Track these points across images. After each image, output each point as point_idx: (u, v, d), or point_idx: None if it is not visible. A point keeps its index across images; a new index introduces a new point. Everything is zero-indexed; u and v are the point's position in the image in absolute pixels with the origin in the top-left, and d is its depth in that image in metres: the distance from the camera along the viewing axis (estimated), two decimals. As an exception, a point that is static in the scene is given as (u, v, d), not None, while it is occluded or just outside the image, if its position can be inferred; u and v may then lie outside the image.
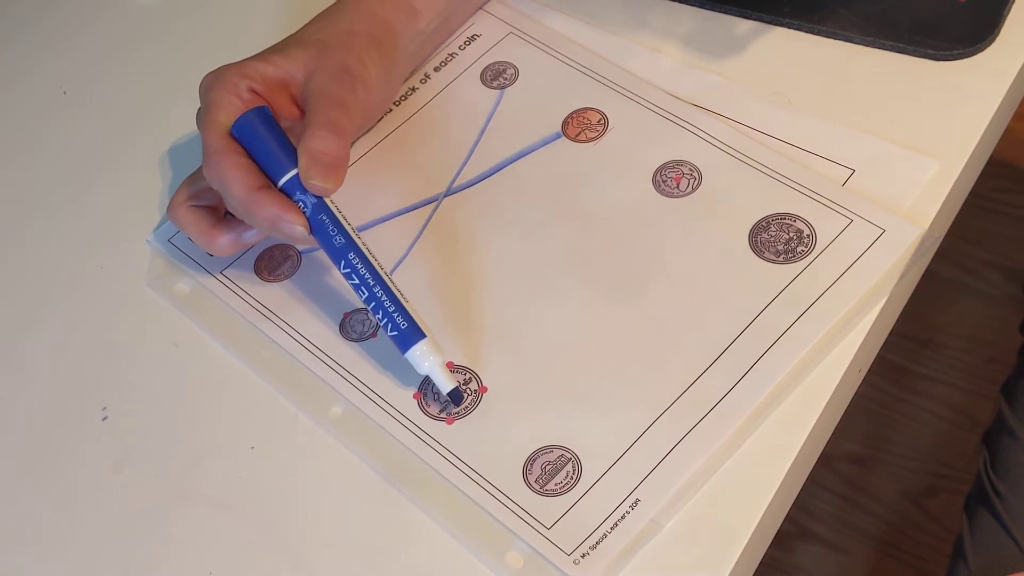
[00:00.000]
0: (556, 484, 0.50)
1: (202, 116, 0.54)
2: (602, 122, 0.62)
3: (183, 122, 0.67)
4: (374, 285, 0.52)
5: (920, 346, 1.30)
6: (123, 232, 0.62)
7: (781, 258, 0.55)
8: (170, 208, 0.57)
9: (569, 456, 0.51)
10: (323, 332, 0.56)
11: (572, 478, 0.50)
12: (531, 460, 0.51)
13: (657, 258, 0.56)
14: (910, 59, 0.62)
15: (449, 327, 0.55)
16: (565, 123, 0.62)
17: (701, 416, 0.51)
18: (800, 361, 0.52)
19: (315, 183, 0.52)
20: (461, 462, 0.51)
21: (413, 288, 0.56)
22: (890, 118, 0.60)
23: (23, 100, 0.70)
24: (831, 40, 0.64)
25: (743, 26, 0.65)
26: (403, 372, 0.54)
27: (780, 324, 0.53)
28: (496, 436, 0.52)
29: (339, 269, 0.52)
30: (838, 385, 0.52)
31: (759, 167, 0.58)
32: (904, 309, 0.58)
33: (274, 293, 0.58)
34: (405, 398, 0.53)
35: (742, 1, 0.66)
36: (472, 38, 0.67)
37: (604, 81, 0.63)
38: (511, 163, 0.61)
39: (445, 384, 0.52)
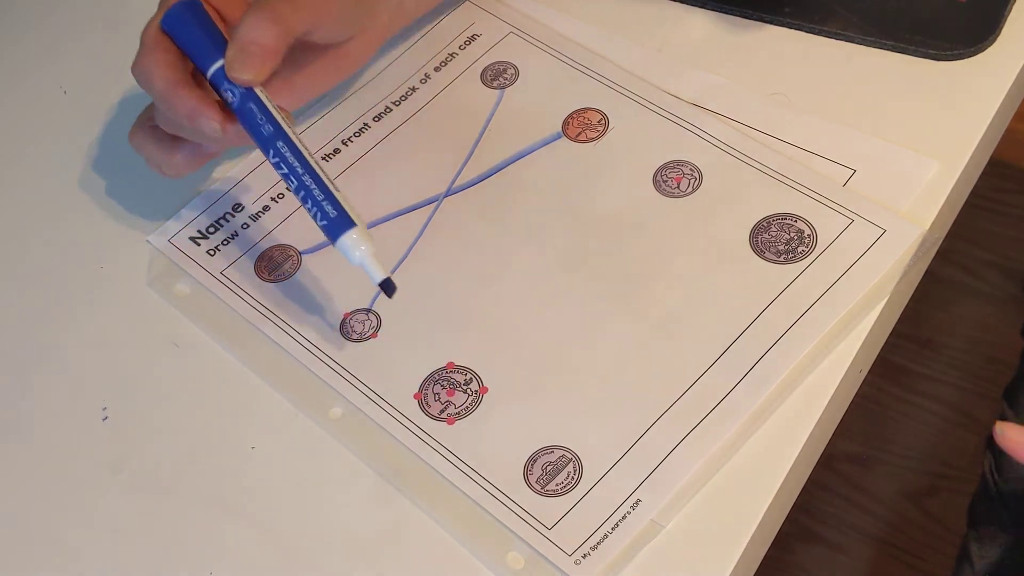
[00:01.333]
0: (557, 484, 0.50)
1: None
2: (602, 122, 0.62)
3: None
4: (303, 174, 0.51)
5: (920, 346, 1.30)
6: (123, 232, 0.62)
7: (782, 258, 0.55)
8: (130, 133, 0.57)
9: (570, 456, 0.51)
10: (323, 332, 0.56)
11: (573, 478, 0.50)
12: (532, 460, 0.51)
13: (658, 258, 0.56)
14: (910, 59, 0.62)
15: (449, 327, 0.55)
16: (565, 123, 0.62)
17: (702, 416, 0.51)
18: (801, 361, 0.52)
19: (236, 74, 0.51)
20: (462, 462, 0.51)
21: (413, 288, 0.57)
22: (890, 118, 0.60)
23: (23, 100, 0.70)
24: (831, 40, 0.64)
25: (743, 26, 0.65)
26: (404, 373, 0.54)
27: (781, 324, 0.53)
28: (497, 436, 0.52)
29: (268, 159, 0.52)
30: (839, 385, 0.52)
31: (760, 167, 0.58)
32: (904, 309, 0.58)
33: (274, 293, 0.58)
34: (406, 398, 0.53)
35: (742, 1, 0.66)
36: (472, 38, 0.67)
37: (604, 81, 0.63)
38: (511, 163, 0.61)
39: (376, 274, 0.51)
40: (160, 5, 0.54)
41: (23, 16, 0.74)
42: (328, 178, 0.52)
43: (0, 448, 0.55)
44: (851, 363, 0.52)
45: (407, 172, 0.62)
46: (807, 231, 0.56)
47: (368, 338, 0.56)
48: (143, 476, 0.53)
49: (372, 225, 0.60)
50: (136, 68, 0.53)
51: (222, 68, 0.52)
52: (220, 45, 0.53)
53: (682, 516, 0.48)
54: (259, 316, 0.57)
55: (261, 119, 0.51)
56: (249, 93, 0.52)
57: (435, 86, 0.65)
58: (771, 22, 0.65)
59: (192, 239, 0.60)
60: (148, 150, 0.56)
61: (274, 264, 0.59)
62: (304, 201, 0.52)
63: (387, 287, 0.51)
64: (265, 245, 0.60)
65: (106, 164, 0.66)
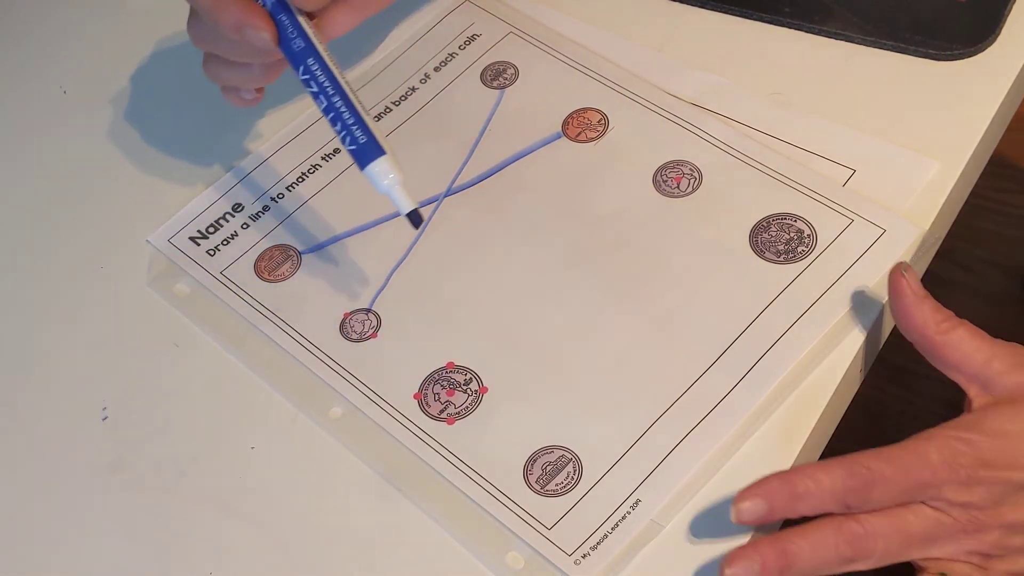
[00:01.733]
0: (557, 484, 0.50)
1: None
2: (602, 122, 0.62)
3: (183, 121, 0.67)
4: (333, 94, 0.49)
5: (920, 346, 1.30)
6: (123, 232, 0.62)
7: (782, 258, 0.55)
8: (204, 65, 0.55)
9: (570, 456, 0.51)
10: (323, 332, 0.56)
11: (573, 478, 0.50)
12: (532, 460, 0.51)
13: (658, 258, 0.56)
14: (910, 59, 0.62)
15: (449, 327, 0.55)
16: (565, 123, 0.62)
17: (702, 416, 0.51)
18: (801, 361, 0.52)
19: None
20: (461, 462, 0.51)
21: (413, 288, 0.57)
22: (890, 118, 0.60)
23: (23, 100, 0.70)
24: (831, 40, 0.64)
25: (743, 26, 0.65)
26: (404, 373, 0.54)
27: (781, 324, 0.53)
28: (497, 436, 0.52)
29: (297, 75, 0.50)
30: (839, 385, 0.52)
31: (760, 167, 0.58)
32: (904, 309, 0.58)
33: (274, 293, 0.58)
34: (406, 399, 0.53)
35: (742, 1, 0.66)
36: (472, 38, 0.67)
37: (604, 81, 0.63)
38: (511, 163, 0.61)
39: (404, 204, 0.50)
40: None
41: (23, 16, 0.74)
42: (360, 102, 0.50)
43: (0, 448, 0.55)
44: (851, 363, 0.52)
45: (407, 172, 0.62)
46: (807, 231, 0.56)
47: (368, 338, 0.56)
48: (143, 476, 0.53)
49: (372, 226, 0.60)
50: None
51: None
52: None
53: (682, 516, 0.48)
54: (259, 316, 0.57)
55: (292, 32, 0.49)
56: (281, 3, 0.50)
57: (435, 86, 0.65)
58: (771, 22, 0.65)
59: (192, 239, 0.60)
60: (222, 76, 0.54)
61: (274, 264, 0.59)
62: (333, 123, 0.50)
63: (414, 218, 0.50)
64: (265, 245, 0.60)
65: (106, 164, 0.66)
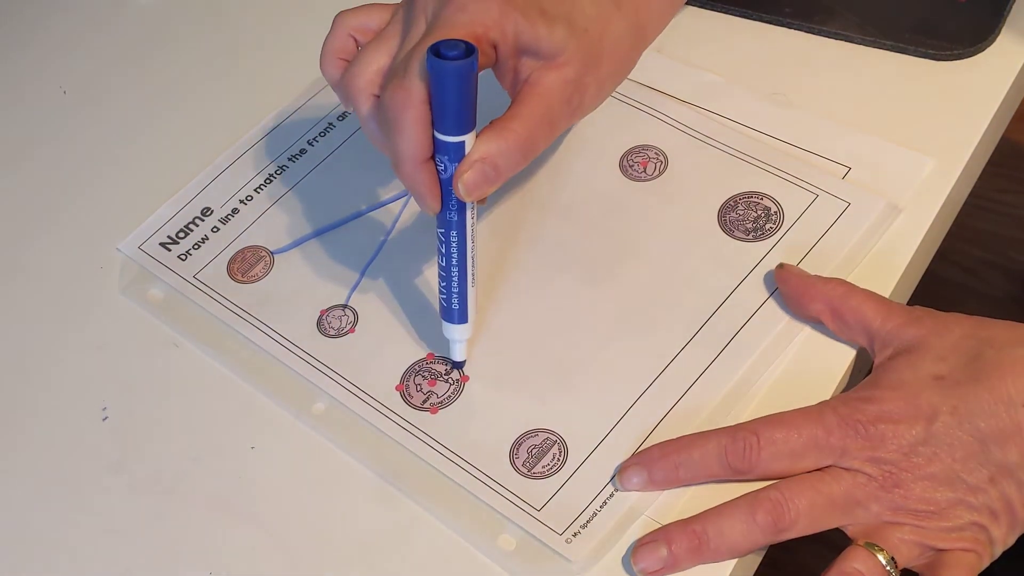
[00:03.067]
0: (543, 467, 0.50)
1: (439, 18, 0.47)
2: None
3: (183, 120, 0.67)
4: (455, 265, 0.50)
5: (920, 346, 1.30)
6: (123, 232, 0.62)
7: (751, 236, 0.56)
8: (330, 68, 0.53)
9: (554, 439, 0.51)
10: (301, 330, 0.56)
11: (558, 460, 0.50)
12: (517, 444, 0.51)
13: (629, 242, 0.57)
14: (910, 59, 0.62)
15: (426, 319, 0.56)
16: None
17: (682, 393, 0.52)
18: (776, 335, 0.53)
19: (463, 194, 0.48)
20: (448, 450, 0.51)
21: (388, 282, 0.57)
22: (890, 118, 0.60)
23: (23, 100, 0.70)
24: (831, 40, 0.64)
25: (743, 26, 0.65)
26: (384, 365, 0.54)
27: (754, 300, 0.54)
28: (480, 423, 0.52)
29: (437, 229, 0.50)
30: (839, 385, 0.52)
31: (723, 148, 0.60)
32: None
33: (249, 294, 0.58)
34: (388, 391, 0.54)
35: (742, 1, 0.66)
36: None
37: None
38: None
39: (459, 356, 0.54)
40: (431, 32, 0.47)
41: (24, 17, 0.74)
42: (474, 274, 0.51)
43: (0, 448, 0.55)
44: (851, 363, 0.52)
45: (375, 169, 0.62)
46: (773, 208, 0.57)
47: (346, 333, 0.56)
48: (143, 476, 0.53)
49: (343, 223, 0.60)
50: (390, 99, 0.47)
51: (450, 144, 0.47)
52: (468, 120, 0.47)
53: (682, 512, 0.48)
54: (235, 318, 0.57)
55: (455, 204, 0.49)
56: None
57: None
58: (771, 22, 0.65)
59: (162, 244, 0.61)
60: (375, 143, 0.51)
61: (247, 265, 0.59)
62: (441, 280, 0.51)
63: (459, 366, 0.54)
64: (237, 247, 0.60)
65: (106, 164, 0.66)
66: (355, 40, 0.52)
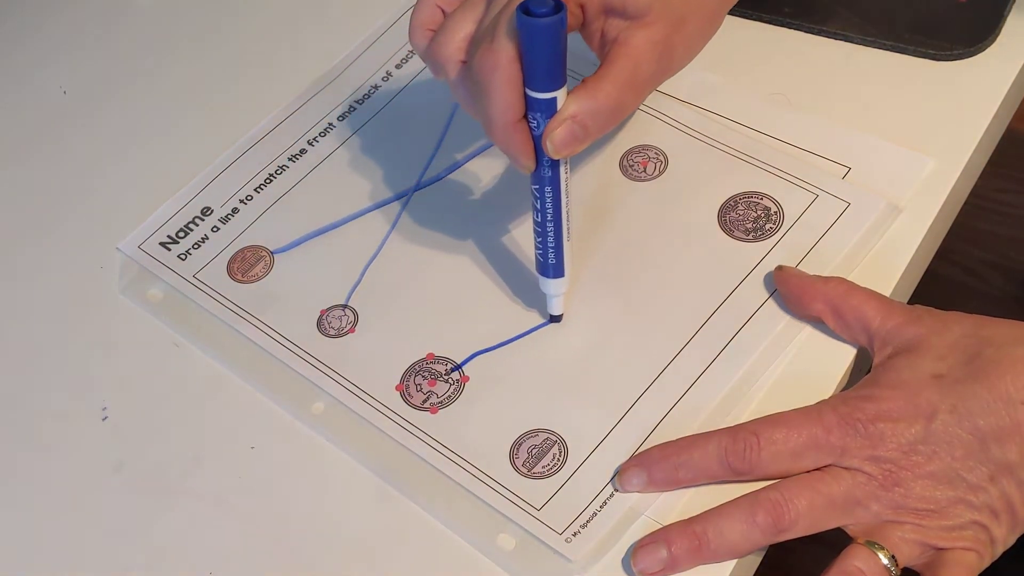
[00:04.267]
0: (543, 467, 0.50)
1: None
2: None
3: (183, 120, 0.67)
4: (550, 220, 0.51)
5: (920, 346, 1.29)
6: (123, 232, 0.62)
7: (751, 236, 0.56)
8: (418, 35, 0.52)
9: (554, 439, 0.51)
10: (301, 330, 0.56)
11: (559, 460, 0.50)
12: (517, 444, 0.51)
13: (629, 241, 0.57)
14: (910, 59, 0.62)
15: (427, 319, 0.56)
16: None
17: (682, 393, 0.52)
18: (776, 335, 0.53)
19: (552, 151, 0.48)
20: (448, 450, 0.51)
21: (388, 282, 0.57)
22: (890, 118, 0.60)
23: (23, 100, 0.70)
24: (831, 40, 0.64)
25: (743, 26, 0.65)
26: (384, 365, 0.54)
27: (754, 300, 0.54)
28: (480, 423, 0.52)
29: (531, 186, 0.51)
30: (838, 385, 0.52)
31: (723, 148, 0.60)
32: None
33: (249, 294, 0.58)
34: (387, 390, 0.54)
35: (742, 1, 0.66)
36: None
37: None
38: (478, 154, 0.62)
39: (557, 310, 0.55)
40: None
41: (24, 17, 0.74)
42: (569, 228, 0.52)
43: (0, 448, 0.55)
44: (851, 363, 0.52)
45: (375, 168, 0.62)
46: (773, 208, 0.57)
47: (346, 333, 0.56)
48: (143, 476, 0.53)
49: (343, 223, 0.60)
50: (479, 63, 0.47)
51: (542, 100, 0.47)
52: (559, 76, 0.47)
53: (682, 512, 0.48)
54: (235, 317, 0.57)
55: (548, 161, 0.50)
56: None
57: (397, 83, 0.66)
58: (771, 22, 0.65)
59: (162, 244, 0.61)
60: (464, 106, 0.51)
61: (247, 265, 0.59)
62: (537, 236, 0.52)
63: (556, 319, 0.55)
64: (237, 247, 0.60)
65: (106, 164, 0.66)
66: (441, 11, 0.52)
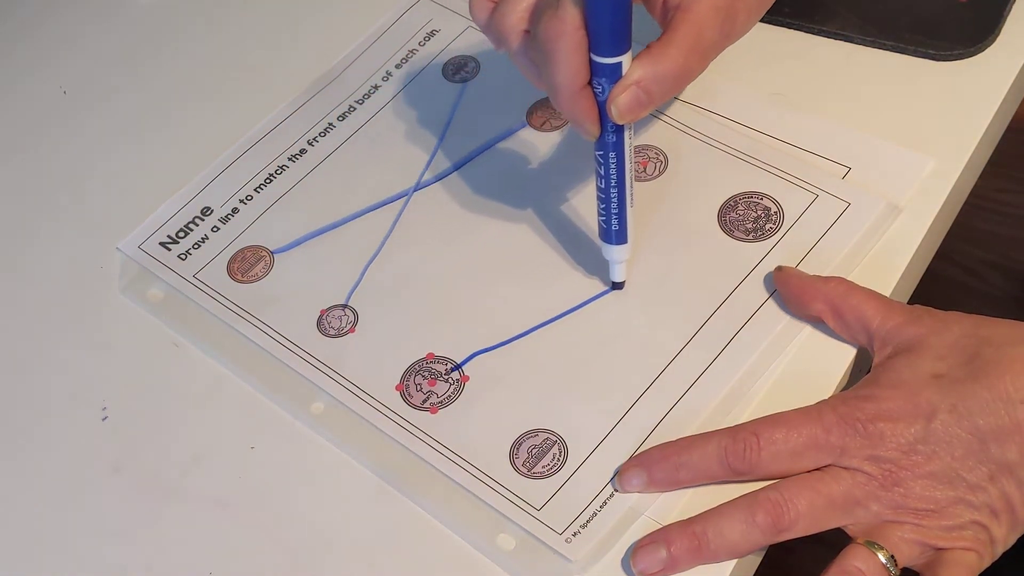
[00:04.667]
0: (543, 467, 0.50)
1: None
2: None
3: (183, 120, 0.67)
4: (614, 186, 0.52)
5: (920, 346, 1.29)
6: (123, 232, 0.62)
7: (751, 236, 0.56)
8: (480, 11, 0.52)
9: (554, 439, 0.51)
10: (300, 330, 0.56)
11: (558, 460, 0.50)
12: (517, 444, 0.51)
13: (629, 242, 0.57)
14: (910, 59, 0.62)
15: (427, 319, 0.56)
16: (530, 113, 0.63)
17: (682, 393, 0.52)
18: (776, 335, 0.53)
19: (617, 116, 0.49)
20: (448, 450, 0.51)
21: (389, 282, 0.58)
22: (890, 118, 0.60)
23: (23, 100, 0.70)
24: (831, 40, 0.64)
25: (743, 26, 0.65)
26: (384, 365, 0.54)
27: (754, 300, 0.54)
28: (480, 423, 0.52)
29: (595, 152, 0.51)
30: (839, 385, 0.52)
31: (723, 148, 0.60)
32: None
33: (249, 294, 0.58)
34: (388, 390, 0.54)
35: (742, 1, 0.65)
36: (431, 33, 0.68)
37: None
38: (479, 154, 0.62)
39: (619, 277, 0.55)
40: None
41: (23, 17, 0.74)
42: (632, 194, 0.53)
43: (0, 448, 0.55)
44: (851, 363, 0.52)
45: (375, 168, 0.62)
46: (773, 208, 0.57)
47: (346, 333, 0.56)
48: (143, 476, 0.53)
49: (343, 223, 0.60)
50: (544, 30, 0.47)
51: (607, 66, 0.48)
52: (624, 41, 0.48)
53: (682, 512, 0.48)
54: (235, 317, 0.57)
55: (612, 126, 0.50)
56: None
57: (397, 83, 0.66)
58: (771, 22, 0.65)
59: (162, 244, 0.61)
60: (526, 74, 0.52)
61: (247, 265, 0.59)
62: (600, 202, 0.53)
63: (619, 286, 0.56)
64: (237, 247, 0.60)
65: (106, 163, 0.66)
66: None
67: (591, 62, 0.48)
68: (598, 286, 0.56)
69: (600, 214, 0.53)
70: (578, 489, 0.50)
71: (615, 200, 0.52)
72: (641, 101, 0.48)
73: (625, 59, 0.48)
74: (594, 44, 0.47)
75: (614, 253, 0.54)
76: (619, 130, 0.50)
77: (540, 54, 0.48)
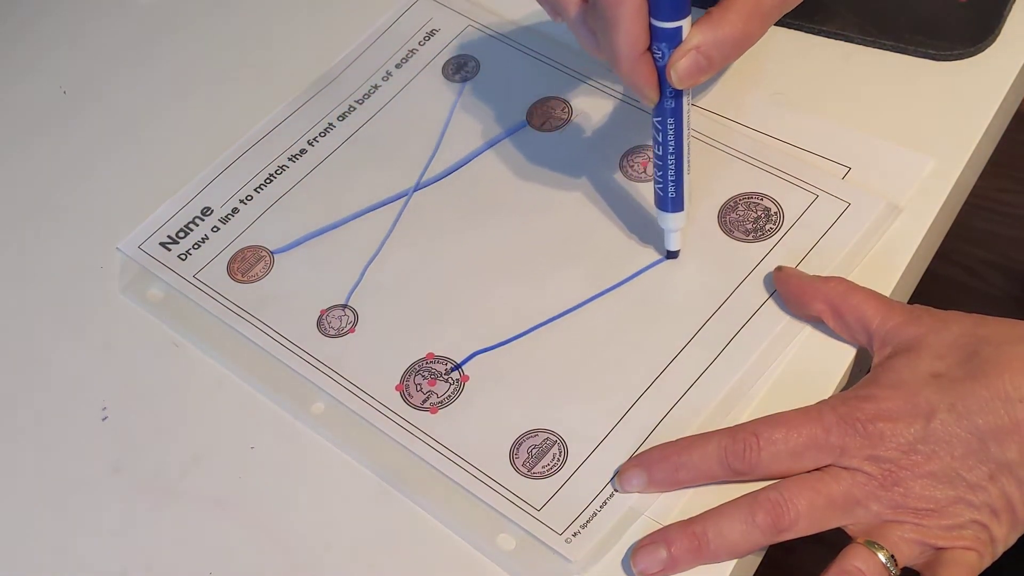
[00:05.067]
0: (543, 467, 0.50)
1: None
2: (566, 110, 0.63)
3: (183, 120, 0.67)
4: (672, 152, 0.52)
5: (920, 346, 1.29)
6: (123, 231, 0.62)
7: (751, 237, 0.56)
8: None
9: (554, 439, 0.51)
10: (301, 330, 0.56)
11: (558, 460, 0.50)
12: (517, 444, 0.51)
13: (629, 241, 0.57)
14: (910, 59, 0.62)
15: (427, 319, 0.56)
16: (530, 113, 0.63)
17: (682, 393, 0.52)
18: (776, 336, 0.53)
19: (676, 82, 0.49)
20: (447, 450, 0.51)
21: (388, 282, 0.57)
22: (890, 118, 0.60)
23: (23, 100, 0.70)
24: (831, 40, 0.64)
25: (743, 26, 0.65)
26: (384, 365, 0.54)
27: (754, 301, 0.54)
28: (480, 423, 0.52)
29: (653, 117, 0.52)
30: (839, 385, 0.52)
31: (723, 148, 0.60)
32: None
33: (249, 294, 0.58)
34: (387, 390, 0.54)
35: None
36: (431, 33, 0.68)
37: (565, 70, 0.64)
38: (478, 155, 0.62)
39: (674, 246, 0.55)
40: None
41: (23, 16, 0.74)
42: (689, 161, 0.53)
43: (0, 448, 0.55)
44: (851, 363, 0.52)
45: (375, 169, 0.62)
46: (773, 209, 0.57)
47: (346, 333, 0.56)
48: (143, 476, 0.53)
49: (343, 223, 0.60)
50: None
51: (668, 30, 0.48)
52: (684, 4, 0.48)
53: (682, 512, 0.48)
54: (235, 317, 0.57)
55: (671, 92, 0.51)
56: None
57: (397, 83, 0.66)
58: (771, 22, 0.65)
59: (162, 244, 0.61)
60: (584, 42, 0.52)
61: (247, 265, 0.59)
62: (657, 169, 0.53)
63: (673, 255, 0.56)
64: (237, 247, 0.60)
65: (106, 163, 0.66)
66: None
67: (651, 27, 0.48)
68: (599, 282, 0.56)
69: (656, 182, 0.53)
70: (578, 489, 0.50)
71: (672, 167, 0.52)
72: (701, 66, 0.49)
73: (685, 23, 0.48)
74: (654, 8, 0.48)
75: (670, 221, 0.54)
76: (678, 95, 0.50)
77: (600, 20, 0.49)
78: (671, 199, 0.54)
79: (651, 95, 0.50)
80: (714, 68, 0.49)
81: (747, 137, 0.60)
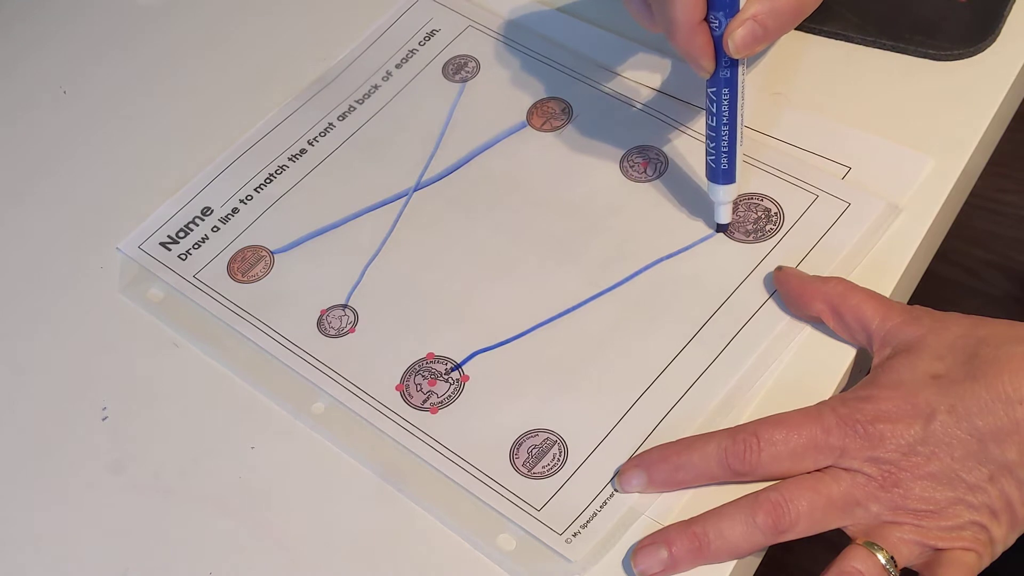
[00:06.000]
0: (543, 467, 0.50)
1: None
2: (566, 111, 0.63)
3: (184, 120, 0.67)
4: (725, 123, 0.53)
5: (920, 346, 1.29)
6: (123, 231, 0.62)
7: (751, 237, 0.56)
8: None
9: (555, 439, 0.51)
10: (301, 330, 0.56)
11: (559, 460, 0.50)
12: (517, 444, 0.51)
13: (629, 241, 0.57)
14: (910, 59, 0.62)
15: (427, 319, 0.56)
16: (530, 113, 0.63)
17: (682, 393, 0.52)
18: (776, 336, 0.53)
19: (733, 51, 0.50)
20: (448, 450, 0.51)
21: (389, 282, 0.57)
22: (890, 118, 0.60)
23: (23, 99, 0.70)
24: (831, 40, 0.64)
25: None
26: (384, 365, 0.54)
27: (754, 301, 0.54)
28: (480, 423, 0.52)
29: (706, 88, 0.53)
30: (839, 385, 0.52)
31: None
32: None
33: (249, 294, 0.58)
34: (388, 390, 0.54)
35: (742, 1, 0.66)
36: (431, 33, 0.68)
37: (566, 71, 0.64)
38: (478, 155, 0.62)
39: (724, 218, 0.56)
40: None
41: (23, 16, 0.74)
42: (742, 133, 0.54)
43: (0, 448, 0.55)
44: (851, 363, 0.52)
45: (375, 168, 0.62)
46: (774, 209, 0.57)
47: (346, 333, 0.56)
48: (143, 476, 0.53)
49: (343, 223, 0.60)
50: None
51: (724, 0, 0.50)
52: None
53: (682, 512, 0.48)
54: (236, 317, 0.57)
55: (727, 62, 0.51)
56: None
57: (397, 83, 0.66)
58: (771, 22, 0.65)
59: (162, 244, 0.61)
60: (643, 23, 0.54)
61: (247, 265, 0.59)
62: (710, 140, 0.54)
63: (724, 229, 0.56)
64: (237, 247, 0.60)
65: (106, 164, 0.66)
66: None
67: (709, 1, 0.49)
68: (599, 282, 0.56)
69: (709, 153, 0.54)
70: (578, 489, 0.50)
71: (725, 138, 0.53)
72: (757, 35, 0.50)
73: None
74: None
75: (720, 193, 0.55)
76: (733, 65, 0.51)
77: (661, 7, 0.50)
78: (723, 171, 0.54)
79: (707, 65, 0.51)
80: (770, 37, 0.50)
81: (747, 137, 0.60)
